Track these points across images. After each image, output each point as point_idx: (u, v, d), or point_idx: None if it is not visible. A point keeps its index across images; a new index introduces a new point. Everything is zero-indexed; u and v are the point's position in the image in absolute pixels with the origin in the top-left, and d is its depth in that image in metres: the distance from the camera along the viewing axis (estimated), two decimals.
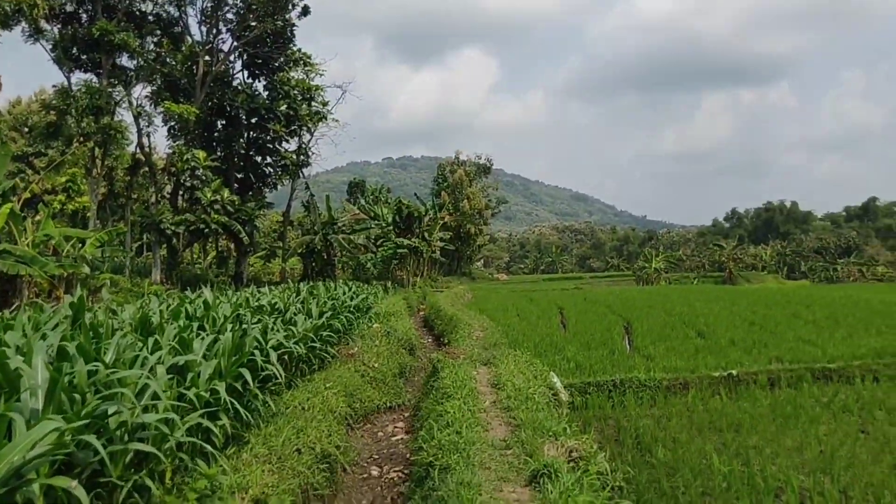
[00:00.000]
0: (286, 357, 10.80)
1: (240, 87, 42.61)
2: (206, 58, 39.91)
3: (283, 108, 42.42)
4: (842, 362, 12.95)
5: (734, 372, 12.67)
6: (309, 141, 45.31)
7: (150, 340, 7.45)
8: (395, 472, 9.37)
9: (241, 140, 42.72)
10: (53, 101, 34.65)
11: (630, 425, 10.32)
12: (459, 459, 6.16)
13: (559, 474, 5.57)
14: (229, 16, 40.96)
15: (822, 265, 71.24)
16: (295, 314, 12.56)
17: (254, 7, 39.76)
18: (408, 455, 9.65)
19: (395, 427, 11.66)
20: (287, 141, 44.41)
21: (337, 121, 46.45)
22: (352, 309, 16.97)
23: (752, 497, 7.20)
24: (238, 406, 7.31)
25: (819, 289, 41.73)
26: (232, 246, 43.33)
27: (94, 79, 34.76)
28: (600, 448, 7.41)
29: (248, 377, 7.49)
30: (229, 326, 8.68)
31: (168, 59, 39.24)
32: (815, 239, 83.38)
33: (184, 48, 40.29)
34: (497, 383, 9.72)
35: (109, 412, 5.01)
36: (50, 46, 33.60)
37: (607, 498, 5.93)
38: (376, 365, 13.79)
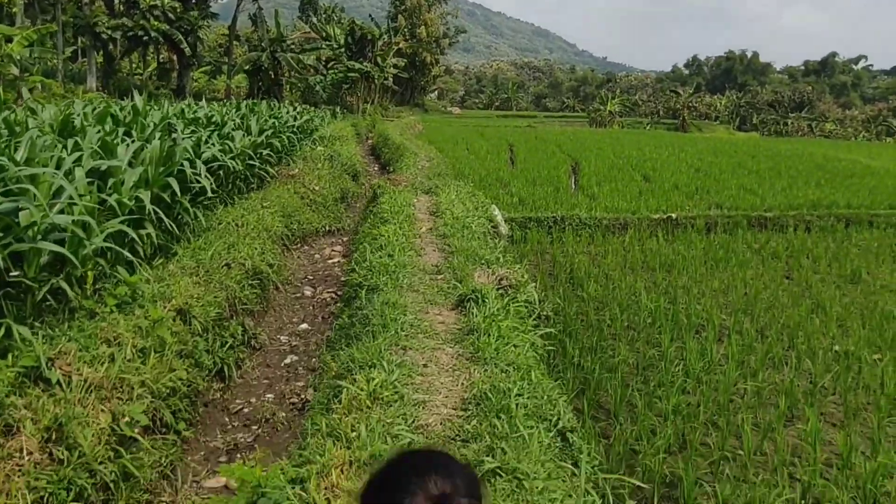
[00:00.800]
0: (221, 173, 10.44)
1: None
2: None
3: None
4: (778, 211, 13.19)
5: (673, 215, 12.81)
6: None
7: (71, 143, 7.01)
8: (328, 293, 9.38)
9: None
10: None
11: (566, 261, 10.44)
12: (388, 281, 6.10)
13: (486, 300, 5.55)
14: None
15: (774, 118, 71.67)
16: (233, 129, 12.05)
17: None
18: (343, 277, 9.64)
19: (333, 250, 11.61)
20: None
21: None
22: (295, 129, 16.45)
23: (675, 332, 7.40)
24: (164, 217, 7.05)
25: (767, 141, 42.18)
26: (174, 58, 41.21)
27: None
28: (532, 280, 7.45)
29: (176, 187, 7.18)
30: (158, 135, 8.22)
31: None
32: (770, 92, 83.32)
33: None
34: (436, 211, 9.61)
35: (18, 207, 4.71)
36: None
37: (533, 326, 6.00)
38: (317, 188, 13.54)
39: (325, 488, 3.06)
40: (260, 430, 5.76)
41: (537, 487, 3.11)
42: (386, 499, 1.40)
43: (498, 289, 6.07)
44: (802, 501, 4.60)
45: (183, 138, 9.00)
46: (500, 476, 3.08)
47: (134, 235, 6.12)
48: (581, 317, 7.91)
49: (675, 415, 5.65)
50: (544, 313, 6.74)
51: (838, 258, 10.78)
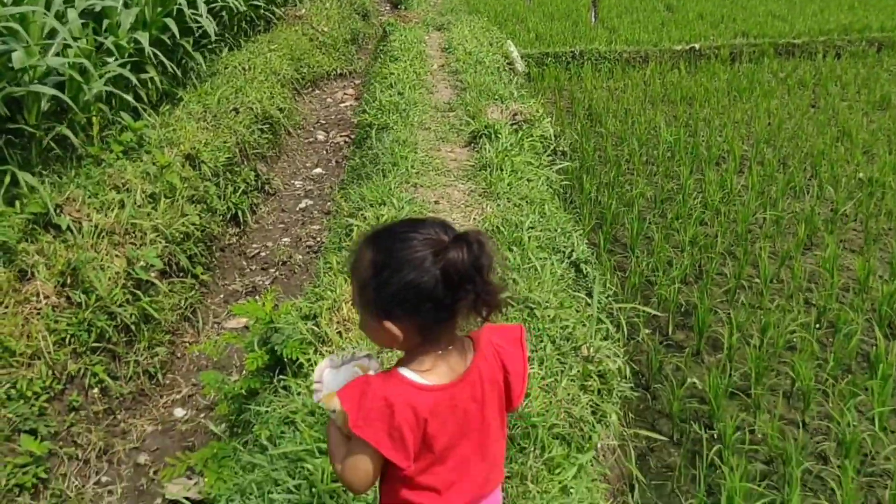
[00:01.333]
0: (224, 15, 9.99)
1: None
2: None
3: None
4: (807, 38, 12.53)
5: (697, 45, 12.23)
6: None
7: None
8: (341, 136, 9.21)
9: None
10: None
11: (584, 97, 10.09)
12: (399, 119, 5.91)
13: (499, 135, 5.38)
14: None
15: None
16: None
17: None
18: (355, 122, 9.43)
19: (345, 94, 11.30)
20: None
21: None
22: None
23: (694, 164, 7.22)
24: (165, 60, 6.80)
25: None
26: None
27: None
28: (549, 116, 7.22)
29: (174, 28, 6.87)
30: None
31: None
32: None
33: None
34: (448, 48, 9.22)
35: (9, 49, 4.52)
36: None
37: (548, 161, 5.85)
38: (326, 29, 12.99)
39: (337, 322, 3.06)
40: (277, 273, 5.82)
41: (549, 316, 3.09)
42: (421, 270, 1.33)
43: (512, 124, 5.88)
44: (817, 325, 4.61)
45: None
46: (512, 306, 3.06)
47: (134, 79, 5.92)
48: (599, 152, 7.71)
49: (692, 246, 5.60)
50: (560, 149, 6.57)
51: (868, 84, 10.32)
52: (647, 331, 4.68)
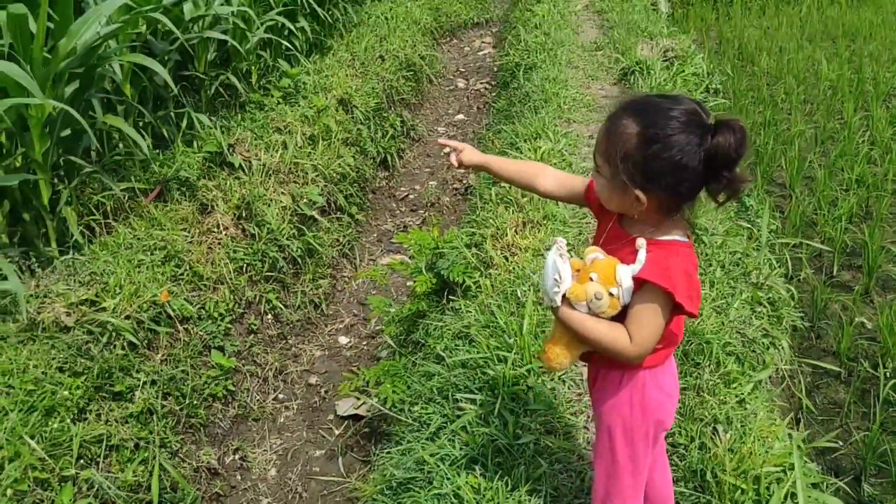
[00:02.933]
0: None
1: None
2: None
3: None
4: None
5: None
6: None
7: None
8: (481, 83, 9.23)
9: None
10: None
11: (734, 36, 9.61)
12: (546, 58, 5.87)
13: (651, 71, 5.25)
14: None
15: None
16: None
17: None
18: (495, 69, 9.42)
19: (483, 42, 11.29)
20: None
21: None
22: None
23: (860, 102, 6.77)
24: (318, 8, 7.02)
25: None
26: None
27: None
28: (699, 51, 6.94)
29: None
30: None
31: None
32: None
33: None
34: None
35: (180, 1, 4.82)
36: None
37: (701, 99, 5.66)
38: None
39: (501, 248, 3.13)
40: (426, 214, 5.97)
41: (717, 242, 3.03)
42: (676, 145, 1.42)
43: (663, 61, 5.71)
44: None
45: None
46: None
47: (291, 27, 6.15)
48: (752, 92, 7.36)
49: (859, 185, 5.29)
50: (713, 86, 6.32)
51: None
52: (810, 270, 4.49)
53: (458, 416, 2.16)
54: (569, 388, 2.32)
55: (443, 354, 2.54)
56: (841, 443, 3.30)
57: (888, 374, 3.54)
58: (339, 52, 7.24)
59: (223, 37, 4.86)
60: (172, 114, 4.85)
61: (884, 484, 3.01)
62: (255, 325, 4.01)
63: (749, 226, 3.46)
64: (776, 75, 7.85)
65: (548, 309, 1.53)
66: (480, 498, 1.85)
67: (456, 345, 2.57)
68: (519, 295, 2.66)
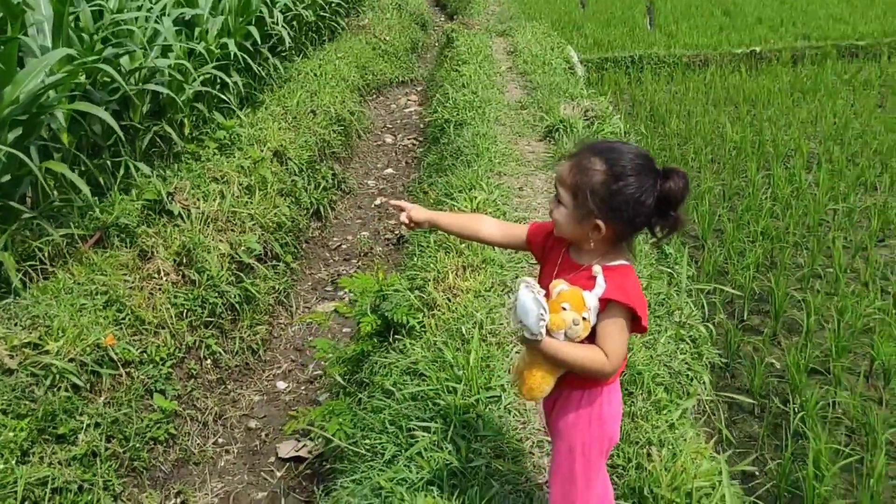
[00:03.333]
0: (295, 23, 10.42)
1: None
2: None
3: None
4: (871, 39, 12.47)
5: (757, 48, 12.27)
6: None
7: None
8: (408, 139, 9.52)
9: None
10: None
11: (645, 99, 10.25)
12: (476, 115, 6.17)
13: (574, 129, 5.59)
14: None
15: None
16: None
17: None
18: (421, 125, 9.73)
19: (408, 100, 11.63)
20: None
21: None
22: None
23: (761, 161, 7.33)
24: (251, 62, 7.17)
25: None
26: None
27: None
28: (615, 112, 7.40)
29: (256, 35, 7.25)
30: None
31: None
32: None
33: None
34: (513, 51, 9.47)
35: (121, 53, 4.90)
36: None
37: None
38: (388, 38, 13.38)
39: (443, 290, 3.30)
40: (360, 263, 6.10)
41: (643, 284, 3.29)
42: (643, 187, 1.68)
43: (584, 120, 6.08)
44: (894, 310, 4.70)
45: None
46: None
47: (227, 79, 6.28)
48: (664, 151, 7.86)
49: (764, 237, 5.72)
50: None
51: None
52: (723, 315, 4.83)
53: (412, 444, 2.29)
54: (514, 417, 2.48)
55: (392, 389, 2.67)
56: (757, 472, 3.55)
57: (796, 409, 3.84)
58: (272, 105, 7.39)
59: (162, 89, 4.95)
60: (109, 162, 4.88)
61: None
62: (194, 369, 4.03)
63: (669, 271, 3.74)
64: (685, 136, 8.41)
65: (521, 342, 1.70)
66: None
67: (404, 380, 2.71)
68: (464, 332, 2.83)
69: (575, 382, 1.79)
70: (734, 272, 5.15)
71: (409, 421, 2.41)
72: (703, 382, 2.97)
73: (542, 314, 1.64)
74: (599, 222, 1.70)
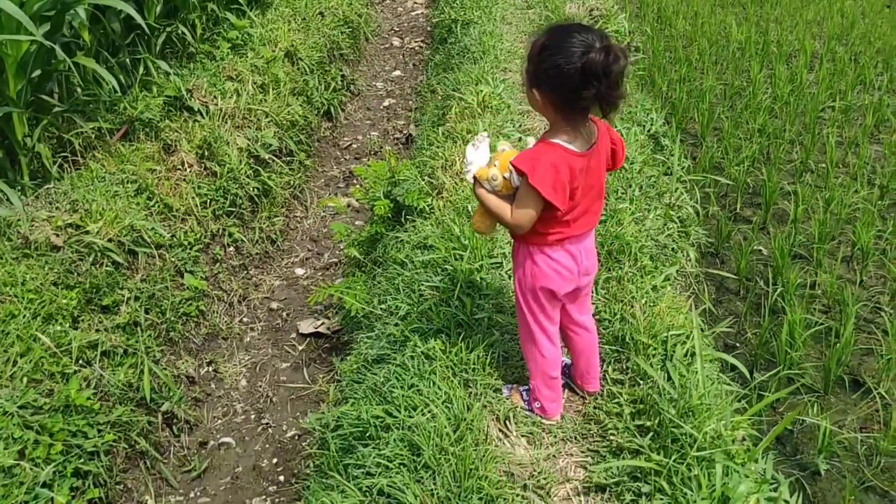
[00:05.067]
0: None
1: None
2: None
3: None
4: None
5: None
6: None
7: None
8: (416, 42, 9.57)
9: None
10: None
11: (653, 0, 10.21)
12: (482, 15, 6.27)
13: None
14: None
15: None
16: None
17: None
18: (428, 28, 9.76)
19: (415, 3, 11.58)
20: None
21: None
22: None
23: (765, 61, 7.42)
24: None
25: None
26: None
27: None
28: (621, 12, 7.46)
29: None
30: None
31: None
32: None
33: None
34: None
35: None
36: None
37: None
38: None
39: (451, 175, 3.55)
40: (370, 161, 6.33)
41: (636, 169, 3.53)
42: (567, 60, 1.82)
43: (589, 18, 6.19)
44: (880, 200, 4.94)
45: None
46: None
47: None
48: (669, 52, 7.94)
49: (761, 134, 5.90)
50: (634, 44, 6.85)
51: None
52: (717, 207, 5.08)
53: (423, 303, 2.59)
54: (511, 279, 2.78)
55: (405, 260, 2.96)
56: (738, 345, 3.88)
57: (778, 289, 4.14)
58: (281, 6, 7.46)
59: None
60: (128, 60, 5.06)
61: (770, 375, 3.60)
62: (219, 255, 4.34)
63: (663, 160, 3.98)
64: (691, 37, 8.45)
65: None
66: (447, 354, 2.29)
67: (415, 253, 3.00)
68: (469, 210, 3.10)
69: (514, 237, 2.16)
70: (730, 167, 5.37)
71: (420, 284, 2.71)
72: (689, 257, 3.25)
73: (469, 163, 2.05)
74: (534, 90, 1.92)
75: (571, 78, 1.81)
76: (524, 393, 2.35)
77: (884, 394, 3.34)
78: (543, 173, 1.89)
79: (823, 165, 5.46)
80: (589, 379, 2.35)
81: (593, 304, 2.66)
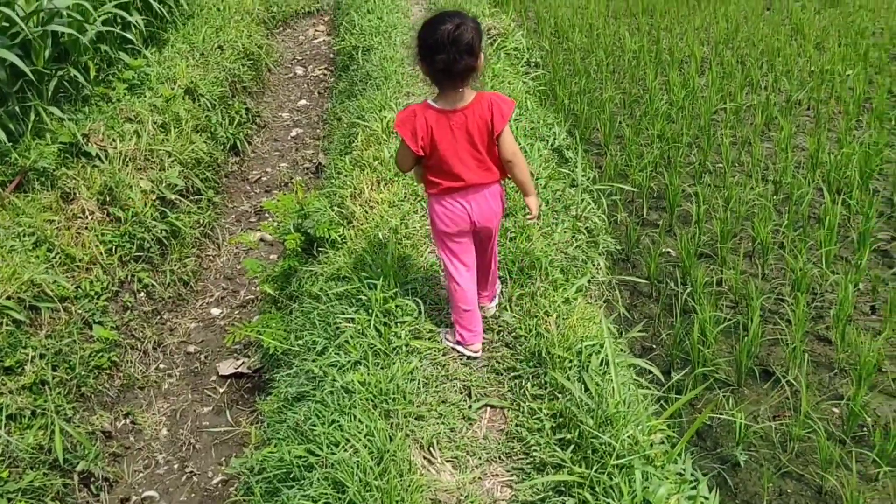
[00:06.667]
0: None
1: None
2: None
3: None
4: None
5: None
6: None
7: None
8: (319, 70, 9.55)
9: None
10: None
11: (549, 15, 10.46)
12: (382, 41, 6.31)
13: None
14: None
15: None
16: None
17: None
18: (331, 55, 9.76)
19: (316, 30, 11.56)
20: None
21: None
22: None
23: (659, 69, 7.71)
24: (153, 2, 7.08)
25: None
26: None
27: None
28: (519, 29, 7.63)
29: None
30: None
31: None
32: None
33: None
34: None
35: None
36: None
37: (524, 72, 6.31)
38: None
39: (361, 203, 3.55)
40: (281, 193, 6.26)
41: (542, 184, 3.61)
42: (429, 34, 2.34)
43: (488, 38, 6.30)
44: (774, 195, 5.18)
45: None
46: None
47: (130, 18, 6.23)
48: (568, 65, 8.16)
49: (661, 140, 6.12)
50: (533, 60, 7.01)
51: None
52: (624, 213, 5.23)
53: (340, 335, 2.58)
54: (429, 305, 2.79)
55: (319, 293, 2.94)
56: (654, 346, 4.00)
57: (687, 289, 4.29)
58: (178, 43, 7.34)
59: (64, 28, 4.94)
60: (17, 108, 4.88)
61: (685, 374, 3.72)
62: (129, 302, 4.21)
63: (568, 172, 4.08)
64: (588, 49, 8.71)
65: None
66: (367, 387, 2.28)
67: (330, 285, 2.98)
68: (381, 237, 3.10)
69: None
70: (634, 173, 5.54)
71: (335, 317, 2.69)
72: (599, 266, 3.33)
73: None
74: (416, 63, 2.41)
75: (430, 48, 2.31)
76: (448, 333, 2.72)
77: (792, 381, 3.49)
78: (404, 121, 2.44)
79: (721, 165, 5.69)
80: (482, 295, 2.77)
81: (506, 312, 2.70)
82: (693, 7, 10.23)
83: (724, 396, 3.51)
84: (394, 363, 2.41)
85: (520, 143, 4.10)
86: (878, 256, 4.52)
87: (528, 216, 2.68)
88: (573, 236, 3.34)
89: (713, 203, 5.14)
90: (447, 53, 2.26)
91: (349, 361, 2.44)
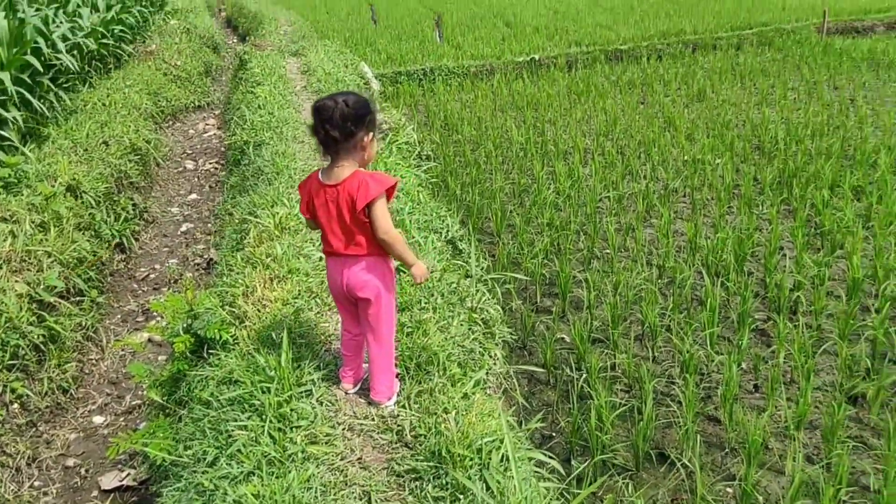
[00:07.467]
0: (77, 53, 10.00)
1: None
2: None
3: None
4: (632, 44, 13.90)
5: (536, 56, 13.29)
6: None
7: None
8: (210, 164, 9.45)
9: None
10: None
11: (439, 108, 10.82)
12: (273, 136, 6.32)
13: None
14: None
15: None
16: (78, 6, 11.38)
17: None
18: (222, 149, 9.69)
19: (207, 124, 11.50)
20: None
21: None
22: (144, 3, 15.58)
23: (545, 160, 8.04)
24: (30, 97, 6.88)
25: None
26: None
27: None
28: (410, 123, 7.82)
29: (37, 63, 6.97)
30: (1, 14, 7.79)
31: None
32: None
33: None
34: (307, 70, 9.67)
35: None
36: None
37: (415, 164, 6.44)
38: (179, 63, 13.11)
39: (253, 302, 3.47)
40: (170, 290, 6.06)
41: (436, 277, 3.64)
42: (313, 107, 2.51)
43: (379, 133, 6.41)
44: (658, 279, 5.41)
45: (30, 17, 8.53)
46: (402, 272, 3.57)
47: (6, 114, 6.01)
48: (458, 157, 8.40)
49: (550, 228, 6.33)
50: (424, 153, 7.17)
51: (686, 81, 11.65)
52: (519, 301, 5.33)
53: (232, 444, 2.46)
54: (325, 408, 2.72)
55: (210, 399, 2.81)
56: (554, 433, 4.02)
57: (583, 375, 4.37)
58: (59, 139, 7.13)
59: None
60: None
61: (587, 465, 3.74)
62: (0, 415, 3.91)
63: (464, 264, 4.13)
64: (477, 141, 9.03)
65: None
66: (262, 499, 2.17)
67: (221, 389, 2.86)
68: (274, 338, 3.02)
69: None
70: (526, 261, 5.68)
71: (227, 424, 2.58)
72: (496, 357, 3.35)
73: None
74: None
75: (313, 123, 2.48)
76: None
77: (687, 463, 3.56)
78: (301, 184, 2.66)
79: (608, 251, 5.91)
80: (372, 388, 2.79)
81: (397, 405, 2.67)
82: (574, 101, 10.82)
83: (623, 483, 3.54)
84: (290, 472, 2.31)
85: (413, 237, 4.15)
86: (756, 336, 4.76)
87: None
88: (469, 328, 3.36)
89: (602, 288, 5.32)
90: (321, 126, 2.43)
91: (242, 472, 2.32)
